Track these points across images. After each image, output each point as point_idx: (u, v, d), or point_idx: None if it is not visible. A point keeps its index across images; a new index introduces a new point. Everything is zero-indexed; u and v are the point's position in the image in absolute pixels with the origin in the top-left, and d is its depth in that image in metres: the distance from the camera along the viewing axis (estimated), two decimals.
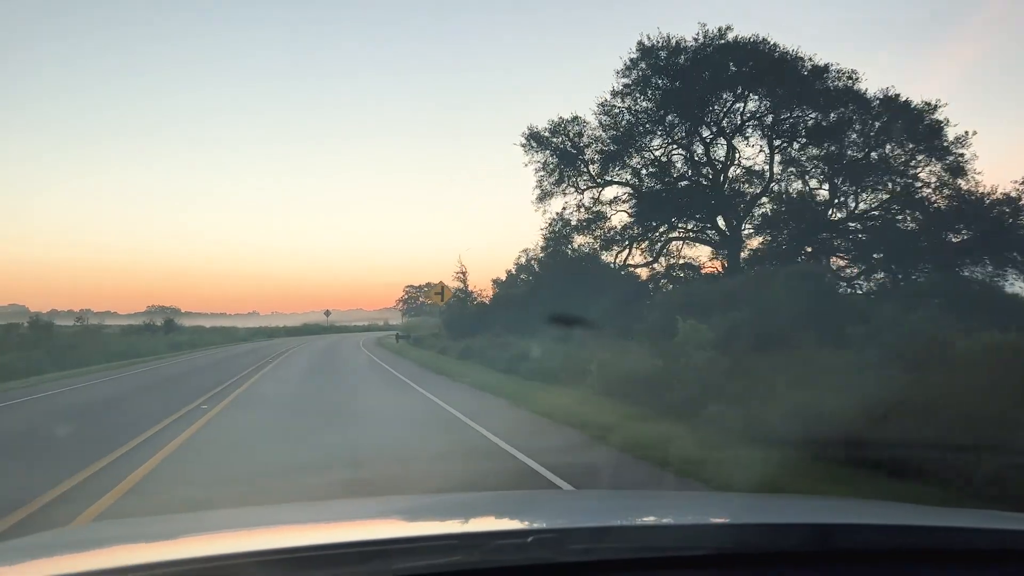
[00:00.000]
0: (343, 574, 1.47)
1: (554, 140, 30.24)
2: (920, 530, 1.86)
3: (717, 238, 29.74)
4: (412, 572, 1.48)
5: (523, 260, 35.34)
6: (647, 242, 30.92)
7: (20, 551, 1.93)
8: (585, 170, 30.66)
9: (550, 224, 32.45)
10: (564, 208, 32.35)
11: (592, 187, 30.82)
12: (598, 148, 30.03)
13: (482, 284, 40.25)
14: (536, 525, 2.07)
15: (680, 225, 30.40)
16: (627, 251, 31.44)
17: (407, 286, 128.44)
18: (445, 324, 37.85)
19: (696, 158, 29.78)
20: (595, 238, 32.02)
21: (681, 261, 30.67)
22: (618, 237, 31.39)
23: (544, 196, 31.21)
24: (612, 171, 30.25)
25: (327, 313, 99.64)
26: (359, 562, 1.52)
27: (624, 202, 30.87)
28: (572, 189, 30.84)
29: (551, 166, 30.59)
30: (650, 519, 2.23)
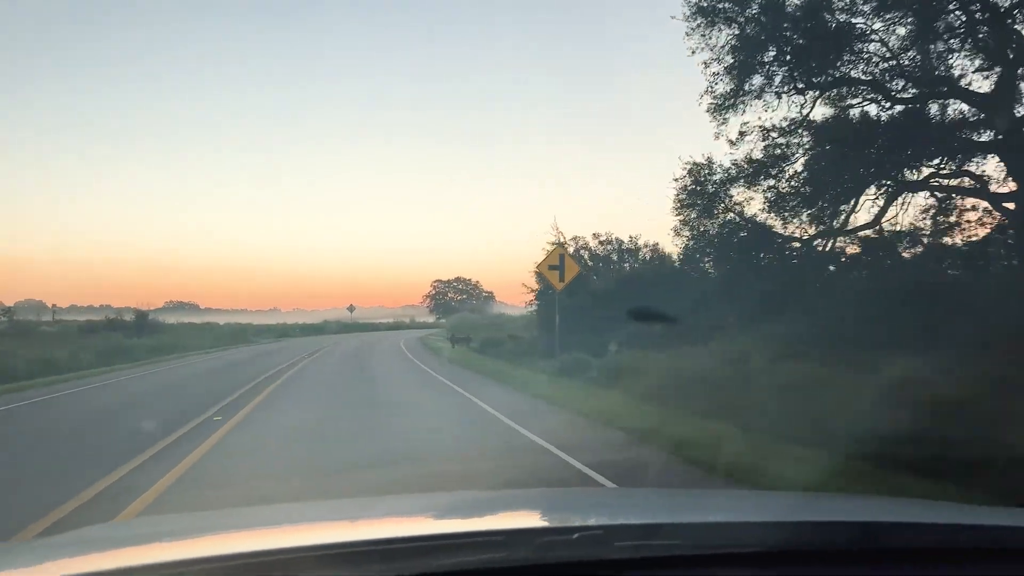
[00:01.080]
0: (393, 569, 1.48)
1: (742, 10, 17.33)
2: (965, 528, 1.85)
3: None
4: (459, 568, 1.49)
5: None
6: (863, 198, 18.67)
7: (57, 548, 1.97)
8: (787, 65, 17.50)
9: (692, 171, 20.40)
10: (743, 131, 18.80)
11: (795, 92, 18.02)
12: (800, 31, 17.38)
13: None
14: (582, 522, 2.06)
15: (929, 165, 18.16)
16: (820, 213, 19.28)
17: (435, 280, 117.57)
18: (542, 321, 25.09)
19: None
20: (767, 191, 19.95)
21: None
22: (804, 192, 19.23)
23: (724, 105, 18.35)
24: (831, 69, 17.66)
25: (351, 309, 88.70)
26: (407, 557, 1.52)
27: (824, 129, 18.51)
28: (770, 95, 17.90)
29: (739, 52, 17.61)
30: (697, 516, 2.19)
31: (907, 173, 18.21)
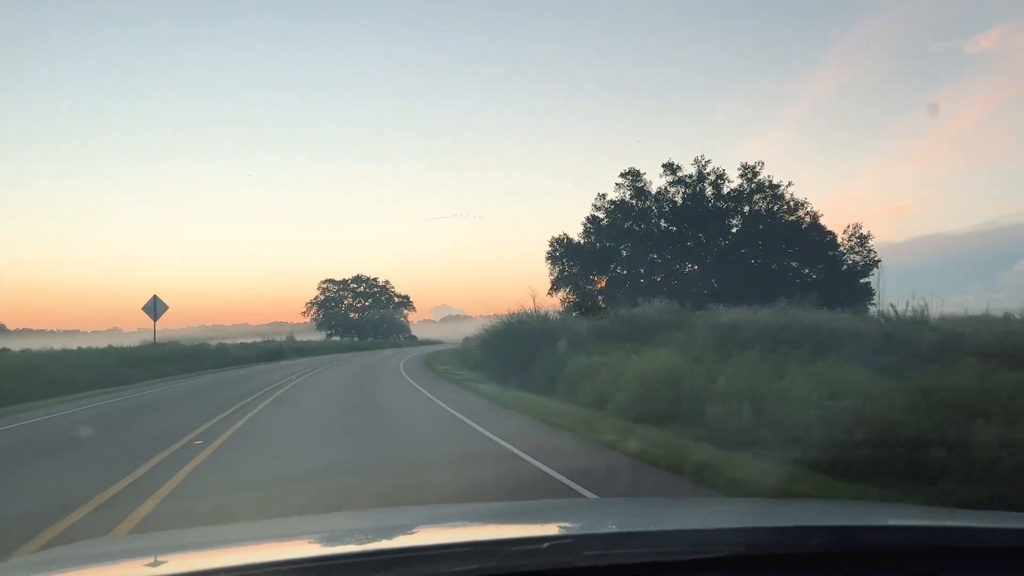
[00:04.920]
0: None
1: None
2: (938, 530, 1.91)
3: None
4: None
5: None
6: None
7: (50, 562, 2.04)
8: None
9: None
10: None
11: None
12: None
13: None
14: (552, 532, 2.08)
15: None
16: None
17: (325, 281, 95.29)
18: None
19: None
20: None
21: None
22: None
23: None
24: None
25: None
26: (375, 570, 1.56)
27: None
28: None
29: None
30: (666, 524, 2.19)
31: None
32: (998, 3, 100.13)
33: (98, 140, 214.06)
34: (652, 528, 2.09)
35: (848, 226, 41.12)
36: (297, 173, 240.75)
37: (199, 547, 2.14)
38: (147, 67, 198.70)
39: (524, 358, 20.18)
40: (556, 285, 46.02)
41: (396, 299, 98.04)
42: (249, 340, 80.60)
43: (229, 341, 62.00)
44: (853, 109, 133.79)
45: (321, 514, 4.83)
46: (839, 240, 40.79)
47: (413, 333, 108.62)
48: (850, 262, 40.75)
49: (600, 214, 45.10)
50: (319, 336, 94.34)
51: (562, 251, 45.15)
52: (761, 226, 41.46)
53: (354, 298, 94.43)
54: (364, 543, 2.00)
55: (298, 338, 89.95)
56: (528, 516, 2.64)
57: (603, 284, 44.30)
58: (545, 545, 1.62)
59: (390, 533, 2.26)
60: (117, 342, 59.20)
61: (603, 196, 44.79)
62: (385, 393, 19.86)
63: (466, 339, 39.71)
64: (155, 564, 1.88)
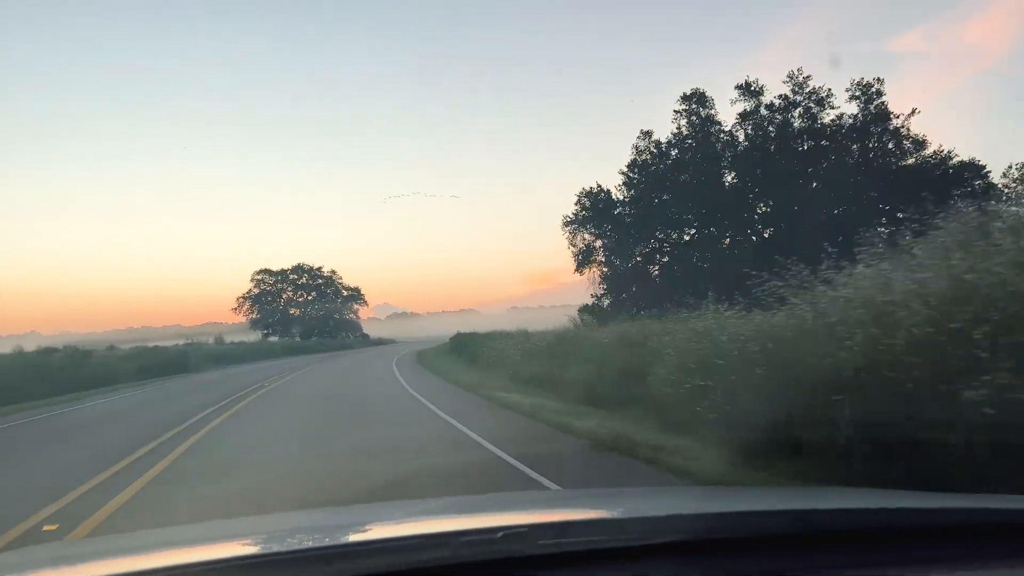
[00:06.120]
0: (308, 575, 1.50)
1: None
2: (897, 512, 1.88)
3: None
4: (375, 571, 1.49)
5: None
6: None
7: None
8: None
9: None
10: None
11: None
12: None
13: None
14: (507, 522, 2.00)
15: None
16: None
17: (260, 272, 79.54)
18: None
19: None
20: None
21: None
22: None
23: None
24: None
25: None
26: (324, 564, 1.54)
27: None
28: None
29: None
30: (622, 512, 2.23)
31: None
32: None
33: None
34: (607, 515, 2.16)
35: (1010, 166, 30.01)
36: (239, 157, 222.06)
37: (141, 550, 2.07)
38: (50, 52, 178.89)
39: None
40: (583, 259, 33.71)
41: (345, 292, 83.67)
42: (170, 343, 66.64)
43: (127, 345, 47.83)
44: None
45: (273, 514, 4.81)
46: (1002, 185, 29.22)
47: (365, 331, 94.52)
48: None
49: (638, 165, 32.77)
50: (255, 336, 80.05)
51: (592, 209, 32.72)
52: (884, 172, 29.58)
53: (295, 291, 79.64)
54: (312, 539, 1.99)
55: (229, 339, 75.72)
56: (485, 508, 2.64)
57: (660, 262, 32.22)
58: (500, 535, 1.62)
59: (342, 529, 2.22)
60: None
61: (647, 135, 32.44)
62: None
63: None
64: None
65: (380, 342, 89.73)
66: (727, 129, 31.21)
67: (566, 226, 34.54)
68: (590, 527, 1.86)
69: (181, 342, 70.47)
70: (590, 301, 35.42)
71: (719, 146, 30.88)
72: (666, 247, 32.53)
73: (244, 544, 1.99)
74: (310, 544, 1.83)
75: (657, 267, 32.08)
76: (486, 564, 1.54)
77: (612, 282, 33.01)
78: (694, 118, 31.18)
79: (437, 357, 37.01)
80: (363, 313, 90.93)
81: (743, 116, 30.78)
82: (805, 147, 30.54)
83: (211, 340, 75.19)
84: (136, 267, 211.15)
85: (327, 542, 1.89)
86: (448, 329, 61.04)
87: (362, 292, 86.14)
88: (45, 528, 6.25)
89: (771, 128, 30.28)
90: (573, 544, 1.60)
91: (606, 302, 33.94)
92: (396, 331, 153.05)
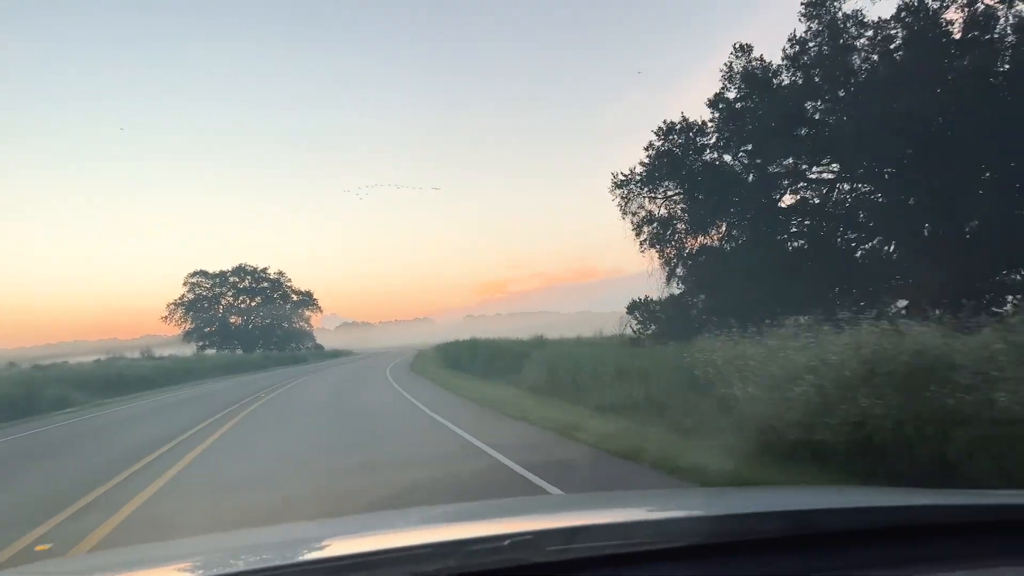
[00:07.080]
0: None
1: None
2: (898, 510, 1.88)
3: None
4: None
5: None
6: None
7: None
8: None
9: None
10: None
11: None
12: None
13: None
14: (513, 529, 1.98)
15: None
16: None
17: (194, 274, 66.64)
18: None
19: None
20: None
21: None
22: None
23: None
24: None
25: None
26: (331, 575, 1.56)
27: None
28: None
29: None
30: (627, 516, 2.24)
31: None
32: None
33: None
34: (613, 520, 2.13)
35: None
36: (177, 160, 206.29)
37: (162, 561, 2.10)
38: None
39: None
40: (649, 237, 23.73)
41: (295, 296, 71.95)
42: (89, 358, 55.41)
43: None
44: None
45: (276, 524, 4.82)
46: None
47: (319, 342, 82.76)
48: None
49: (732, 94, 22.88)
50: (189, 350, 68.31)
51: (665, 157, 22.68)
52: None
53: (235, 296, 67.36)
54: (316, 550, 2.00)
55: (159, 353, 63.79)
56: (489, 514, 2.62)
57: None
58: (507, 543, 1.61)
59: (346, 539, 2.21)
60: None
61: (747, 49, 22.57)
62: None
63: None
64: None
65: (337, 354, 78.69)
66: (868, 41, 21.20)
67: (618, 187, 24.45)
68: (598, 532, 1.83)
69: (103, 356, 59.31)
70: (643, 295, 25.51)
71: (864, 57, 20.90)
72: (792, 218, 22.54)
73: (248, 558, 1.95)
74: (313, 556, 1.83)
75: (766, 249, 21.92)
76: (493, 573, 1.54)
77: (694, 271, 22.99)
78: (818, 30, 21.33)
79: (452, 376, 26.60)
80: (314, 321, 79.40)
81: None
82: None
83: (136, 354, 63.69)
84: (68, 277, 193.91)
85: (331, 554, 1.87)
86: (405, 339, 51.76)
87: (315, 296, 74.50)
88: None
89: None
90: (581, 550, 1.61)
91: (665, 295, 24.00)
92: (350, 342, 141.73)
